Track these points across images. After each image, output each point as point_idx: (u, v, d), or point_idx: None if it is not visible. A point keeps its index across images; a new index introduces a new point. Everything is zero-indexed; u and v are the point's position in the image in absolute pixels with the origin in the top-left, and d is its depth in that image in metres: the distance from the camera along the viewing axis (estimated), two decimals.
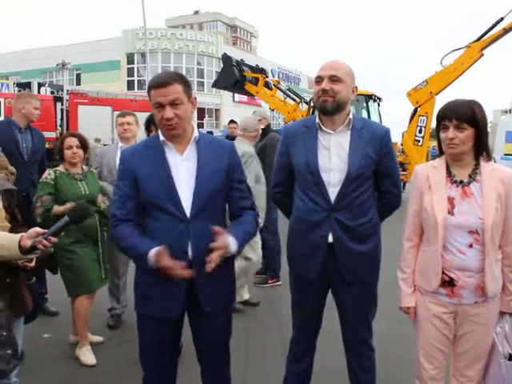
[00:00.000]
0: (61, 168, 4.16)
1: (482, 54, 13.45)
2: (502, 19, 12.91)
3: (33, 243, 2.29)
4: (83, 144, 4.18)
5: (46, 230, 2.36)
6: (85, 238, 4.06)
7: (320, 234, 2.72)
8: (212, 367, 2.67)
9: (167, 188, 2.39)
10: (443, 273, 2.46)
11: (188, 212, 2.39)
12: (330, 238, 2.71)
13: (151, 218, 2.45)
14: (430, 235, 2.51)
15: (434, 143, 15.42)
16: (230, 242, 2.35)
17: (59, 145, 4.18)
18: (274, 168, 3.01)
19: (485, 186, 2.42)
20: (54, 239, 2.35)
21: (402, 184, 3.21)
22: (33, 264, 2.50)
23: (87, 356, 4.05)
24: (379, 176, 2.79)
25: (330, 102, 2.64)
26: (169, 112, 2.33)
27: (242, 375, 3.76)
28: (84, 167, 4.30)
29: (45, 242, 2.31)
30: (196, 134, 2.50)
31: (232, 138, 9.57)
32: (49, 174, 4.07)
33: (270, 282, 6.21)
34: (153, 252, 2.27)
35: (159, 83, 2.34)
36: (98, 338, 4.43)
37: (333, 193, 2.68)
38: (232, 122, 9.92)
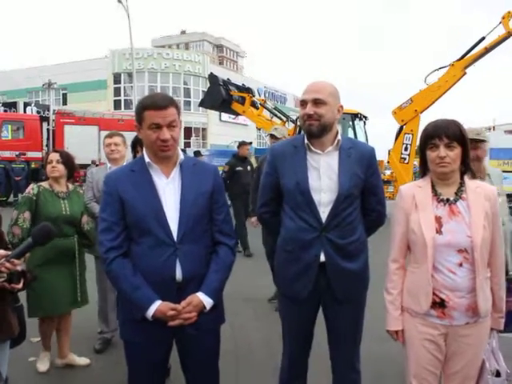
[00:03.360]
0: (45, 184, 4.12)
1: (465, 73, 13.69)
2: (483, 38, 13.18)
3: None
4: (66, 160, 4.14)
5: (10, 253, 2.34)
6: (61, 259, 4.00)
7: (312, 254, 2.72)
8: None
9: (155, 211, 2.38)
10: (434, 293, 2.44)
11: (175, 236, 2.38)
12: (322, 257, 2.72)
13: (137, 241, 2.42)
14: (418, 256, 2.50)
15: (416, 161, 15.60)
16: (204, 301, 2.40)
17: (44, 162, 4.20)
18: (261, 188, 3.00)
19: (471, 203, 2.43)
20: (17, 262, 2.33)
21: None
22: (20, 286, 2.46)
23: (43, 362, 4.26)
24: (366, 194, 2.81)
25: (316, 125, 2.68)
26: (166, 133, 2.35)
27: None
28: (70, 186, 4.26)
29: (7, 264, 2.29)
30: (181, 156, 2.50)
31: (244, 157, 9.72)
32: (32, 189, 4.04)
33: None
34: (153, 311, 2.32)
35: (159, 105, 2.35)
36: (85, 361, 4.37)
37: (324, 212, 2.70)
38: (244, 143, 10.09)
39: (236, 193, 9.57)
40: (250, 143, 9.99)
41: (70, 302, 4.14)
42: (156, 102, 2.36)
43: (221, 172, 11.53)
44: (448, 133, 2.41)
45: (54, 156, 4.11)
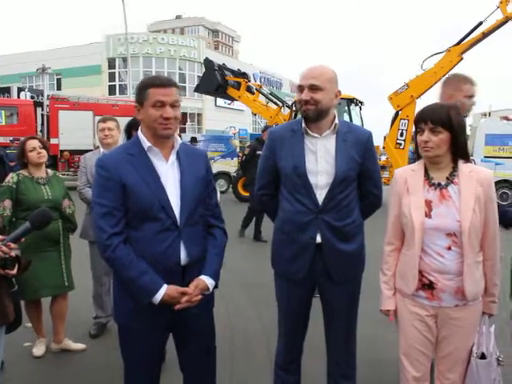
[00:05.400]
0: (24, 172, 4.11)
1: (462, 58, 13.65)
2: (481, 23, 13.13)
3: None
4: (44, 146, 4.16)
5: (6, 237, 2.33)
6: (46, 243, 4.02)
7: (308, 235, 2.77)
8: (196, 376, 2.63)
9: (159, 197, 2.35)
10: (423, 275, 2.48)
11: (178, 220, 2.38)
12: (318, 239, 2.76)
13: (139, 227, 2.36)
14: (409, 239, 2.53)
15: (411, 146, 15.63)
16: (208, 283, 2.45)
17: (20, 151, 4.12)
18: (259, 171, 3.02)
19: (462, 188, 2.44)
20: (13, 245, 2.34)
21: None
22: (14, 271, 2.46)
23: (38, 348, 4.29)
24: (362, 178, 2.85)
25: (312, 110, 2.69)
26: (170, 111, 2.34)
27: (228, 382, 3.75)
28: (49, 171, 4.27)
29: (4, 248, 2.29)
30: (179, 140, 2.49)
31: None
32: (11, 178, 4.02)
33: None
34: (161, 295, 2.31)
35: (163, 82, 2.36)
36: (80, 346, 4.39)
37: (320, 195, 2.74)
38: (269, 127, 10.00)
39: (252, 177, 9.41)
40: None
41: (55, 287, 4.15)
42: (161, 80, 2.37)
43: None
44: (433, 117, 2.42)
45: (35, 143, 4.11)
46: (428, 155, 2.47)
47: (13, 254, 2.37)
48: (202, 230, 2.53)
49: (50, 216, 2.60)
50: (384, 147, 15.55)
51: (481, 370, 2.47)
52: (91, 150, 5.25)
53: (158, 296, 2.31)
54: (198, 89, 19.76)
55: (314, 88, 2.67)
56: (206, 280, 2.44)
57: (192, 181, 2.44)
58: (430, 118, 2.42)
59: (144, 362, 2.50)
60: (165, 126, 2.35)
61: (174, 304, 2.33)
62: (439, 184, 2.50)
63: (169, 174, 2.42)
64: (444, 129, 2.41)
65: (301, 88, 2.73)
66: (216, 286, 2.58)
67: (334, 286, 2.83)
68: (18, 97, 22.07)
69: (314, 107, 2.68)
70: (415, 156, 2.67)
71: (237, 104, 26.41)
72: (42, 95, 22.07)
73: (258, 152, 9.34)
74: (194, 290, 2.37)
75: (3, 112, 19.29)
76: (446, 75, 3.11)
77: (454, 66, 13.67)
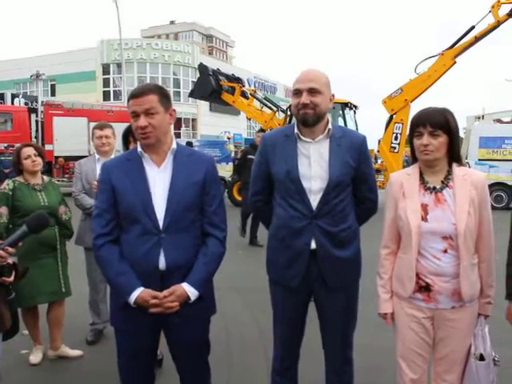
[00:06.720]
0: (20, 179, 4.11)
1: (455, 62, 13.76)
2: (473, 27, 13.25)
3: None
4: (40, 153, 4.16)
5: (3, 241, 2.33)
6: (43, 249, 4.01)
7: (303, 241, 2.72)
8: (190, 379, 2.64)
9: (143, 201, 2.40)
10: (419, 278, 2.49)
11: (161, 225, 2.40)
12: (313, 245, 2.72)
13: (126, 230, 2.45)
14: (406, 242, 2.55)
15: (406, 150, 15.71)
16: (188, 292, 2.40)
17: (15, 157, 4.13)
18: (252, 177, 2.99)
19: (457, 191, 2.46)
20: (11, 249, 2.34)
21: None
22: (11, 279, 2.46)
23: (35, 355, 4.25)
24: (357, 182, 2.81)
25: (311, 114, 2.66)
26: (143, 120, 2.37)
27: None
28: (44, 178, 4.27)
29: (1, 252, 2.29)
30: (174, 145, 2.51)
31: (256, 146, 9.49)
32: (7, 185, 4.02)
33: None
34: (134, 297, 2.34)
35: (136, 93, 2.42)
36: (77, 352, 4.38)
37: (314, 200, 2.70)
38: (261, 130, 10.17)
39: (245, 181, 9.45)
40: (264, 131, 10.06)
41: (52, 293, 4.14)
42: (134, 91, 2.44)
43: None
44: (432, 121, 2.44)
45: (30, 150, 4.11)
46: (428, 158, 2.48)
47: (10, 261, 2.38)
48: (195, 237, 2.50)
49: (47, 219, 2.62)
50: (378, 151, 15.61)
51: (480, 371, 2.49)
52: (86, 156, 5.24)
53: (132, 298, 2.35)
54: (192, 94, 19.76)
55: (313, 91, 2.64)
56: (186, 288, 2.39)
57: (182, 186, 2.44)
58: (429, 122, 2.44)
59: (133, 362, 2.52)
60: (142, 135, 2.41)
61: (149, 307, 2.34)
62: (434, 188, 2.52)
63: (158, 178, 2.45)
64: (443, 132, 2.43)
65: (298, 92, 2.69)
66: (213, 311, 2.65)
67: (330, 292, 2.79)
68: (12, 103, 21.99)
69: (312, 111, 2.65)
70: (412, 160, 2.68)
71: None
72: (36, 101, 22.01)
73: (250, 156, 9.34)
74: (169, 297, 2.34)
75: None
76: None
77: (447, 70, 13.79)
